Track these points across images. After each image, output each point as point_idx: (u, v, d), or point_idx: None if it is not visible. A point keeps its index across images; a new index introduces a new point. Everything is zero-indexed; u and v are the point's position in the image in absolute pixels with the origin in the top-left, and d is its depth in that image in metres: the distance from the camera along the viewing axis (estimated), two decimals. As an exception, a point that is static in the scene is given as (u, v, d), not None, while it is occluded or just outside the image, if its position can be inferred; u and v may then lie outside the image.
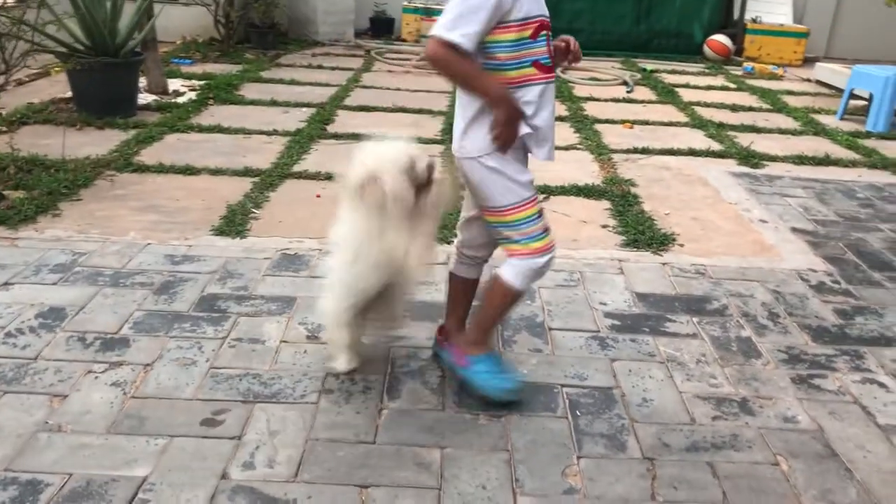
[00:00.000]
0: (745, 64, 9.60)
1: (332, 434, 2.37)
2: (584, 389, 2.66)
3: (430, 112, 6.49)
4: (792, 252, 3.94)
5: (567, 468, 2.27)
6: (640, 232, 4.06)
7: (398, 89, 7.35)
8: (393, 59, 8.89)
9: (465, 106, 2.36)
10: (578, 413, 2.53)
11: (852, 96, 7.20)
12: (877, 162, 5.67)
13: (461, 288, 2.71)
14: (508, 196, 2.39)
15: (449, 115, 6.35)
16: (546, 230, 2.47)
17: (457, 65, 2.24)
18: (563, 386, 2.67)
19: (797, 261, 3.83)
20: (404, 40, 10.09)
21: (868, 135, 6.54)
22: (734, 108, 7.25)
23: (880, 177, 5.36)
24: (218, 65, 7.96)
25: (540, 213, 2.47)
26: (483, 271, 2.71)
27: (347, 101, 6.71)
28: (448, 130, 5.89)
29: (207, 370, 2.66)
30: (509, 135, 2.31)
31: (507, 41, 2.27)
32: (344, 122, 6.05)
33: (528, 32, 2.27)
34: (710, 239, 4.07)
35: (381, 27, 10.29)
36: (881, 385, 2.78)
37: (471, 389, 2.57)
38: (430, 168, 2.38)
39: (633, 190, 4.76)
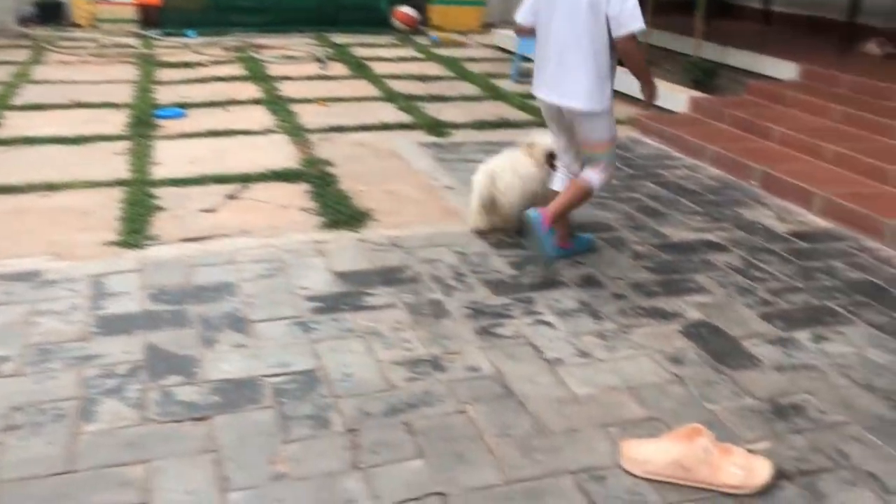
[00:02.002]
0: (431, 33, 10.16)
1: (20, 472, 2.24)
2: (289, 376, 2.76)
3: (114, 105, 6.12)
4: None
5: (274, 456, 2.36)
6: (339, 211, 4.21)
7: (76, 82, 6.83)
8: (67, 47, 8.20)
9: (598, 70, 3.39)
10: (284, 400, 2.63)
11: (524, 59, 7.94)
12: (544, 120, 6.33)
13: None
14: (613, 129, 3.59)
15: (136, 107, 6.05)
16: None
17: (641, 49, 3.49)
18: (267, 376, 2.75)
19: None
20: (79, 26, 9.33)
21: (538, 95, 7.26)
22: (422, 79, 7.67)
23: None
24: None
25: None
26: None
27: (16, 101, 6.12)
28: (137, 124, 5.63)
29: None
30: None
31: None
32: (15, 124, 5.53)
33: None
34: (403, 211, 4.34)
35: (50, 13, 9.40)
36: (548, 324, 3.20)
37: (579, 252, 3.78)
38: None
39: (330, 170, 4.90)
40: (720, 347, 3.07)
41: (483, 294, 3.42)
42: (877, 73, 6.29)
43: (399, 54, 8.88)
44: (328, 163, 5.02)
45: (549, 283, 3.54)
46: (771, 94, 6.30)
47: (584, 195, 3.67)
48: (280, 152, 5.22)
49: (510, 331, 3.13)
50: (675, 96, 6.51)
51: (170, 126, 5.69)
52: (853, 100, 5.81)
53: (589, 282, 3.58)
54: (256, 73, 7.49)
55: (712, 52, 7.34)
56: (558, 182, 3.82)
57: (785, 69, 6.72)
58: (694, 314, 3.33)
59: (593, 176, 3.64)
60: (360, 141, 5.58)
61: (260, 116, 6.06)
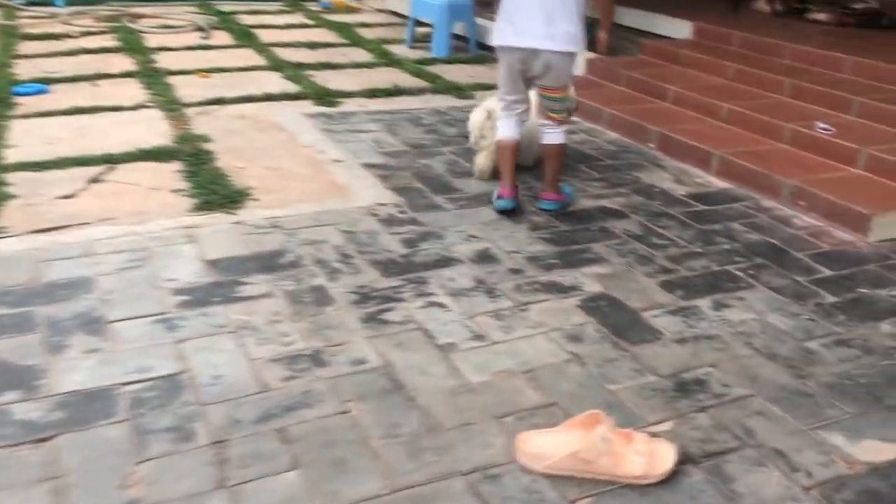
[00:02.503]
0: (322, -1, 9.71)
1: None
2: (148, 383, 2.44)
3: (-36, 82, 5.53)
4: (364, 188, 4.05)
5: (126, 478, 2.07)
6: (213, 192, 3.86)
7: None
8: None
9: (577, 14, 3.51)
10: (142, 411, 2.32)
11: (418, 24, 7.64)
12: (440, 87, 6.10)
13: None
14: (572, 77, 3.75)
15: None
16: None
17: None
18: (123, 384, 2.43)
19: (368, 197, 3.95)
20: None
21: (433, 61, 7.00)
22: (312, 46, 7.29)
23: (443, 101, 5.77)
24: None
25: None
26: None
27: None
28: None
29: None
30: None
31: None
32: None
33: None
34: (286, 188, 4.02)
35: None
36: (441, 306, 2.97)
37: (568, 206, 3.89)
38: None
39: (206, 146, 4.52)
40: (620, 321, 2.92)
41: (371, 276, 3.17)
42: (766, 30, 6.29)
43: (288, 21, 8.43)
44: (204, 138, 4.64)
45: (445, 261, 3.32)
46: (666, 53, 6.22)
47: (563, 154, 3.86)
48: (152, 129, 4.79)
49: (400, 316, 2.90)
50: (571, 58, 6.34)
51: (28, 103, 5.16)
52: (745, 57, 5.78)
53: (484, 257, 3.37)
54: (131, 45, 6.94)
55: (608, 12, 7.20)
56: (507, 128, 3.81)
57: (679, 28, 6.65)
58: (593, 286, 3.17)
59: (559, 133, 3.78)
60: (241, 113, 5.20)
61: (132, 91, 5.58)
